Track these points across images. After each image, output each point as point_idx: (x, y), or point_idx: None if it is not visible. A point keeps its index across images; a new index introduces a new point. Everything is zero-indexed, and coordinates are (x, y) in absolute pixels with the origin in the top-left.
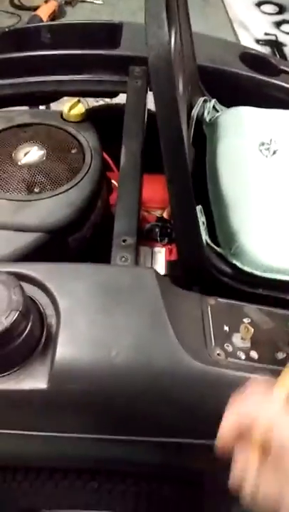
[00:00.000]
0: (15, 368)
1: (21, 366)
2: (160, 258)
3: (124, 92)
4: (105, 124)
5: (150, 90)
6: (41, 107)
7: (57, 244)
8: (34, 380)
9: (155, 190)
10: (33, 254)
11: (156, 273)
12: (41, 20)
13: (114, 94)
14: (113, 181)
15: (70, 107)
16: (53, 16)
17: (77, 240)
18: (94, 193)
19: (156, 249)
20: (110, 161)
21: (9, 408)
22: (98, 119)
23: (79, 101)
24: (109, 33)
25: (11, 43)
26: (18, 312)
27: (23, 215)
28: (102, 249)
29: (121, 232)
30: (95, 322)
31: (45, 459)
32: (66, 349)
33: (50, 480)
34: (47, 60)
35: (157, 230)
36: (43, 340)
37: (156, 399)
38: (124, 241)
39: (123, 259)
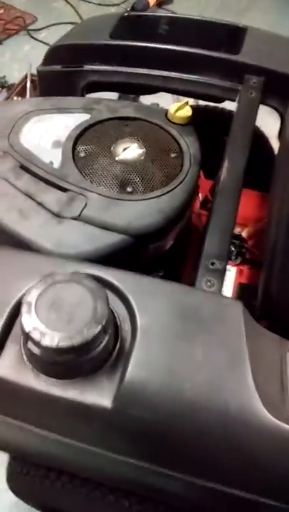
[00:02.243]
0: (81, 377)
1: (88, 377)
2: (229, 277)
3: (232, 100)
4: (206, 126)
5: (262, 103)
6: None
7: (137, 250)
8: (98, 395)
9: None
10: (113, 256)
11: (243, 307)
12: (148, 4)
13: (220, 100)
14: None
15: (178, 108)
16: (160, 1)
17: (157, 248)
18: (185, 204)
19: (227, 266)
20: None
21: (65, 416)
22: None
23: (187, 103)
24: (231, 35)
25: (128, 28)
26: (100, 326)
27: (111, 213)
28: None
29: (211, 253)
30: (172, 348)
31: (87, 470)
32: (138, 371)
33: (83, 487)
34: (161, 53)
35: (233, 248)
36: (114, 354)
37: (221, 444)
38: (212, 264)
39: (209, 283)
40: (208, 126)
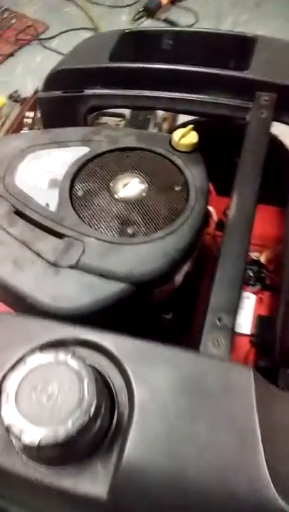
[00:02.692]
0: (75, 463)
1: (82, 462)
2: (248, 305)
3: (242, 120)
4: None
5: (275, 120)
6: None
7: (140, 297)
8: (92, 483)
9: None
10: (114, 306)
11: (255, 375)
12: (160, 3)
13: (228, 119)
14: (210, 208)
15: (182, 134)
16: None
17: (163, 292)
18: (192, 244)
19: (246, 293)
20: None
21: (57, 504)
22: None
23: (192, 128)
24: (240, 47)
25: (129, 47)
26: (87, 416)
27: (110, 260)
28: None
29: (218, 307)
30: (175, 427)
31: None
32: (135, 455)
33: None
34: (164, 74)
35: (251, 273)
36: (111, 433)
37: None
38: (219, 319)
39: (216, 342)
40: (219, 137)
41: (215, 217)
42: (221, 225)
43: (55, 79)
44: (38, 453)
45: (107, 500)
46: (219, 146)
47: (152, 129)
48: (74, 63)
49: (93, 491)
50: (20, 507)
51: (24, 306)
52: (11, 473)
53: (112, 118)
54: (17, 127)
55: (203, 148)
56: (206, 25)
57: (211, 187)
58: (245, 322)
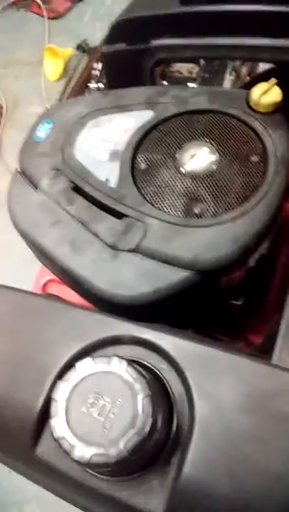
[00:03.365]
0: (132, 476)
1: (139, 475)
2: None
3: None
4: None
5: None
6: None
7: (206, 285)
8: (147, 498)
9: None
10: (176, 296)
11: None
12: None
13: None
14: None
15: (263, 91)
16: None
17: (232, 279)
18: (267, 226)
19: None
20: None
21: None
22: None
23: (276, 83)
24: None
25: None
26: (141, 436)
27: (174, 244)
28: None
29: None
30: (240, 453)
31: None
32: (195, 474)
33: None
34: (246, 17)
35: None
36: (168, 446)
37: None
38: None
39: None
40: None
41: None
42: None
43: (118, 30)
44: (89, 467)
45: None
46: None
47: (229, 75)
48: (139, 11)
49: (148, 507)
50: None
51: (81, 289)
52: (65, 474)
53: (185, 64)
54: (85, 80)
55: (284, 101)
56: None
57: None
58: None
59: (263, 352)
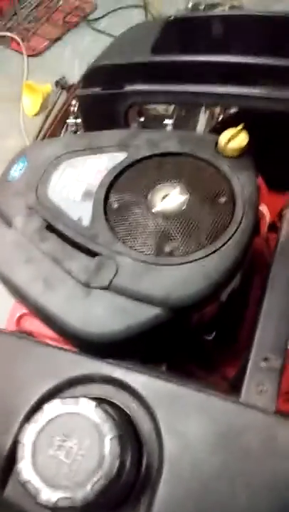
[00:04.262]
0: None
1: None
2: None
3: None
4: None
5: None
6: None
7: (178, 322)
8: None
9: None
10: (148, 333)
11: None
12: None
13: (286, 116)
14: (262, 208)
15: (231, 137)
16: None
17: (202, 316)
18: (237, 263)
19: None
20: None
21: None
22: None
23: (242, 129)
24: None
25: (174, 36)
26: (108, 478)
27: (146, 281)
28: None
29: (264, 345)
30: (208, 490)
31: None
32: None
33: None
34: (215, 67)
35: None
36: (137, 485)
37: None
38: (265, 359)
39: (260, 388)
40: (275, 123)
41: (268, 217)
42: (274, 227)
43: (94, 75)
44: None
45: None
46: (274, 133)
47: (204, 114)
48: (113, 58)
49: None
50: None
51: (54, 326)
52: None
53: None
54: (63, 116)
55: (254, 134)
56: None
57: (262, 182)
58: None
59: (237, 386)
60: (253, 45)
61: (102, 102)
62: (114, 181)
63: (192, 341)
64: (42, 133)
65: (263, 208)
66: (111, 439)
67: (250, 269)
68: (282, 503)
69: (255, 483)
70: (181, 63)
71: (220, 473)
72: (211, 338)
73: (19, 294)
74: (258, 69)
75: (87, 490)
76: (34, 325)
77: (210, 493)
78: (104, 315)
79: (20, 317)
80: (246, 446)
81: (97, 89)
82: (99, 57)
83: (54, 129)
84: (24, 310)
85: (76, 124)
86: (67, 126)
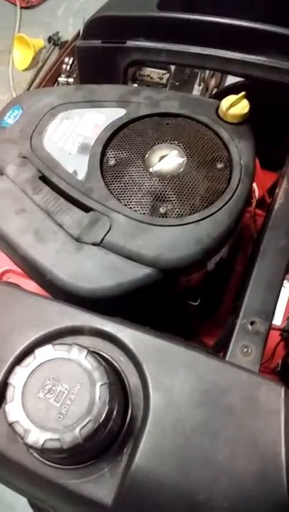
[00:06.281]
0: (84, 464)
1: (90, 463)
2: (282, 294)
3: None
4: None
5: None
6: None
7: (167, 284)
8: (98, 487)
9: None
10: (137, 291)
11: (286, 393)
12: None
13: (287, 87)
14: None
15: (232, 103)
16: None
17: (189, 281)
18: (229, 230)
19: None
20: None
21: (60, 500)
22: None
23: (244, 96)
24: None
25: None
26: (97, 424)
27: (138, 241)
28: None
29: (252, 309)
30: (191, 442)
31: None
32: (146, 465)
33: None
34: (219, 29)
35: None
36: (121, 437)
37: None
38: (252, 323)
39: (245, 350)
40: (272, 104)
41: (257, 193)
42: (262, 204)
43: (95, 27)
44: (41, 453)
45: (112, 507)
46: (270, 114)
47: (198, 86)
48: (117, 10)
49: (98, 495)
50: (23, 495)
51: (42, 280)
52: (15, 462)
53: (156, 70)
54: (54, 73)
55: (251, 114)
56: None
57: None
58: (277, 313)
59: (218, 352)
60: (262, 12)
61: (101, 55)
62: (112, 137)
63: (178, 306)
64: (32, 89)
65: (253, 185)
66: (101, 386)
67: (237, 241)
68: (260, 457)
69: (236, 439)
70: (187, 22)
71: (203, 428)
72: (196, 304)
73: (8, 244)
74: (264, 36)
75: (75, 433)
76: (18, 282)
77: (192, 446)
78: (95, 271)
79: (3, 273)
80: (229, 404)
81: (97, 42)
82: (101, 9)
83: (45, 86)
84: (8, 266)
85: (68, 83)
86: (58, 84)
